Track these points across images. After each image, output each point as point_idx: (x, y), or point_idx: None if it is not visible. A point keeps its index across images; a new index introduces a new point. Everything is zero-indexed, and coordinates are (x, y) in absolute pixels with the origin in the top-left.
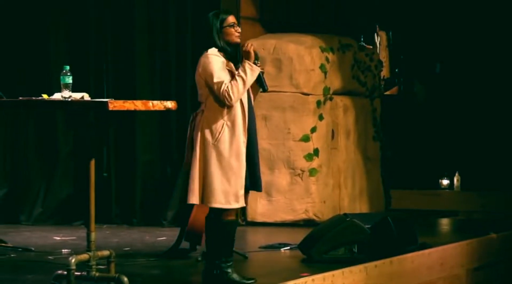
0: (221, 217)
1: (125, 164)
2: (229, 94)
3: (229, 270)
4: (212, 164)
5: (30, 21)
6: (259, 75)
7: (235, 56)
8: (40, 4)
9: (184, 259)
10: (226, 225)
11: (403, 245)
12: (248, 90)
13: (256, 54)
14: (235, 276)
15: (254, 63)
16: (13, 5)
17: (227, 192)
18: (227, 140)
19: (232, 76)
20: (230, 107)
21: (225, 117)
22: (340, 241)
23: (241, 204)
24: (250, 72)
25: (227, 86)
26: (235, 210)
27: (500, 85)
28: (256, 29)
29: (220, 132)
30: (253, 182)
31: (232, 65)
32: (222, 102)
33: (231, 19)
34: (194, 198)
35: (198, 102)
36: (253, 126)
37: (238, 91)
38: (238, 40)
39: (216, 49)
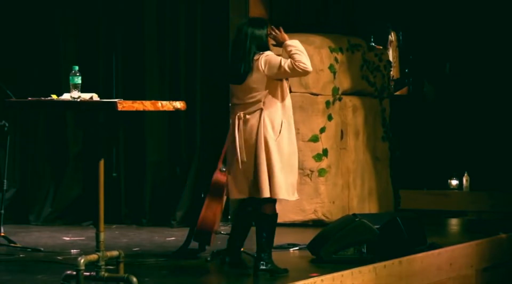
0: (270, 210)
1: (134, 164)
2: (302, 66)
3: (272, 260)
4: (275, 159)
5: (40, 22)
6: None
7: None
8: (49, 4)
9: (194, 259)
10: (274, 217)
11: (412, 245)
12: (288, 90)
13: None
14: (274, 266)
15: None
16: (22, 5)
17: (289, 185)
18: (286, 136)
19: None
20: (285, 104)
21: (283, 115)
22: (349, 241)
23: (296, 196)
24: (293, 42)
25: (293, 60)
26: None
27: (510, 86)
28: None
29: (280, 130)
30: None
31: None
32: (300, 73)
33: (268, 29)
34: (265, 192)
35: (210, 103)
36: None
37: (305, 59)
38: (271, 46)
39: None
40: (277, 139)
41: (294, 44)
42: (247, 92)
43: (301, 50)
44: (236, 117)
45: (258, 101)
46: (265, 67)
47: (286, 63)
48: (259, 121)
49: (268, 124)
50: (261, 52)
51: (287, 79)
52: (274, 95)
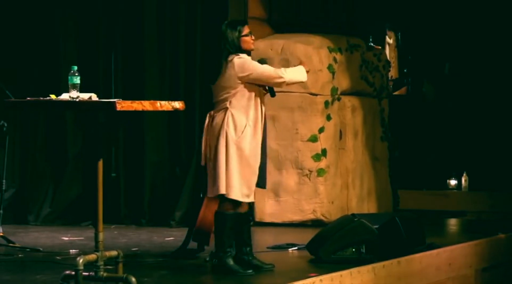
0: (228, 209)
1: (133, 164)
2: (282, 75)
3: (228, 260)
4: (232, 159)
5: (39, 22)
6: None
7: None
8: (49, 4)
9: (192, 259)
10: (226, 216)
11: (411, 246)
12: (261, 95)
13: (265, 61)
14: (232, 264)
15: None
16: (22, 5)
17: (242, 186)
18: (248, 138)
19: None
20: (254, 107)
21: (248, 118)
22: (348, 241)
23: (251, 199)
24: (306, 73)
25: (277, 70)
26: (242, 205)
27: (509, 86)
28: (264, 29)
29: (243, 131)
30: (261, 180)
31: None
32: (274, 85)
33: (247, 29)
34: (221, 189)
35: (208, 103)
36: (264, 129)
37: (293, 77)
38: (252, 47)
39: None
40: (238, 140)
41: (298, 69)
42: (218, 92)
43: (292, 73)
44: (208, 115)
45: (225, 100)
46: (236, 69)
47: (265, 69)
48: (223, 120)
49: (231, 124)
50: (235, 54)
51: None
52: (242, 96)
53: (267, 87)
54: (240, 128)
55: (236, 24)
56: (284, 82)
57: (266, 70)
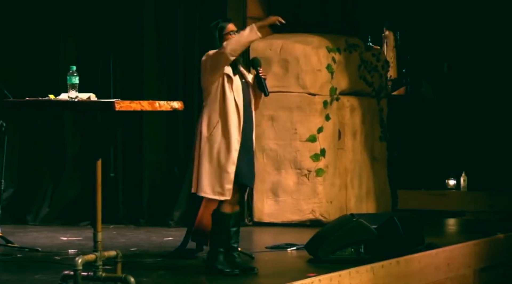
0: (217, 208)
1: (132, 165)
2: (224, 46)
3: (218, 259)
4: (203, 157)
5: (38, 22)
6: (260, 80)
7: (235, 62)
8: (49, 4)
9: (191, 259)
10: (217, 215)
11: (410, 245)
12: (247, 95)
13: (259, 60)
14: (219, 265)
15: (257, 69)
16: (21, 5)
17: (214, 183)
18: (219, 136)
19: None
20: (226, 105)
21: (220, 115)
22: (347, 241)
23: (226, 197)
24: (249, 30)
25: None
26: (232, 205)
27: (508, 86)
28: (263, 29)
29: (214, 128)
30: (249, 178)
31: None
32: (222, 61)
33: (230, 27)
34: (193, 187)
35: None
36: (250, 127)
37: (232, 42)
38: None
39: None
40: (208, 137)
41: (245, 30)
42: (202, 92)
43: (240, 36)
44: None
45: (205, 100)
46: (202, 67)
47: (216, 51)
48: (200, 118)
49: (205, 122)
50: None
51: (228, 81)
52: (215, 94)
53: (258, 86)
54: (212, 125)
55: (220, 22)
56: (224, 52)
57: (214, 51)
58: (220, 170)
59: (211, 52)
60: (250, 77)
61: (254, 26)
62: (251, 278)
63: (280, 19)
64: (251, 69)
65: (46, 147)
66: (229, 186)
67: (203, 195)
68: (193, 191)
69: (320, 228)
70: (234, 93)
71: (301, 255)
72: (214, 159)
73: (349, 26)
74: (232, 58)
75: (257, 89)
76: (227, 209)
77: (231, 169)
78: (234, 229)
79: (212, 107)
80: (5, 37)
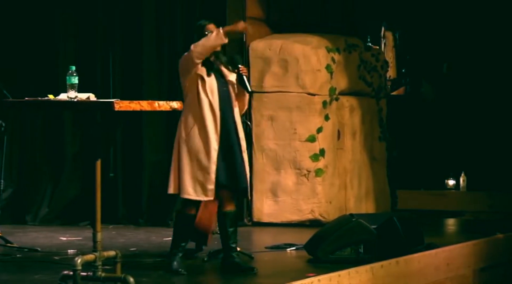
0: (180, 209)
1: (131, 165)
2: (191, 49)
3: (175, 259)
4: (183, 158)
5: (38, 22)
6: (242, 78)
7: (210, 60)
8: (48, 4)
9: (191, 259)
10: (179, 216)
11: (410, 245)
12: (225, 94)
13: (238, 58)
14: (174, 264)
15: (237, 67)
16: (21, 5)
17: (196, 185)
18: (196, 137)
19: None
20: (202, 107)
21: (196, 116)
22: (346, 241)
23: (209, 197)
24: (215, 34)
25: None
26: (195, 206)
27: (507, 86)
28: (263, 29)
29: (191, 129)
30: (234, 179)
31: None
32: (190, 62)
33: (210, 27)
34: (170, 188)
35: None
36: (231, 127)
37: (198, 44)
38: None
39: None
40: (186, 139)
41: (213, 34)
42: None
43: (206, 40)
44: None
45: (184, 101)
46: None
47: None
48: (180, 119)
49: (183, 123)
50: None
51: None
52: (191, 95)
53: (240, 84)
54: (189, 126)
55: (202, 22)
56: (190, 55)
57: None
58: (201, 171)
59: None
60: (232, 76)
61: (221, 30)
62: (251, 278)
63: (247, 28)
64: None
65: (45, 147)
66: (211, 186)
67: (186, 196)
68: (170, 192)
69: (319, 228)
70: (208, 93)
71: (300, 255)
72: (194, 160)
73: (349, 26)
74: (198, 61)
75: (239, 87)
76: (191, 211)
77: (212, 169)
78: (231, 229)
79: (188, 109)
80: (5, 37)
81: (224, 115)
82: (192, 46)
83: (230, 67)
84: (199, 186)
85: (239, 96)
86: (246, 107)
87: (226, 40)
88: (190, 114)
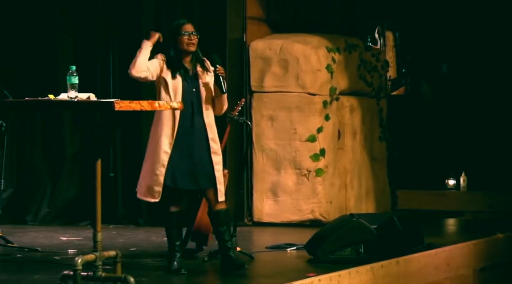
0: (166, 207)
1: (131, 164)
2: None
3: (174, 259)
4: (144, 159)
5: (38, 22)
6: (218, 78)
7: (180, 62)
8: (48, 4)
9: (191, 259)
10: (165, 215)
11: (410, 245)
12: (192, 96)
13: (216, 58)
14: (174, 264)
15: (214, 67)
16: (21, 5)
17: (146, 186)
18: (153, 139)
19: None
20: (163, 111)
21: (157, 118)
22: (347, 241)
23: (155, 199)
24: (141, 46)
25: None
26: (176, 203)
27: (507, 86)
28: (263, 29)
29: (151, 131)
30: (195, 181)
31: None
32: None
33: (187, 27)
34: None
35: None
36: (198, 130)
37: (133, 61)
38: (189, 48)
39: (160, 53)
40: (149, 140)
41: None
42: None
43: (138, 53)
44: None
45: None
46: None
47: None
48: None
49: (152, 128)
50: None
51: (165, 88)
52: (159, 99)
53: (216, 84)
54: (152, 128)
55: (179, 21)
56: (131, 74)
57: None
58: (151, 172)
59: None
60: (209, 77)
61: (144, 40)
62: (251, 278)
63: (161, 37)
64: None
65: (45, 147)
66: (158, 188)
67: (139, 196)
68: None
69: (319, 228)
70: (171, 95)
71: (300, 255)
72: (148, 161)
73: (349, 26)
74: (139, 74)
75: (215, 87)
76: (172, 208)
77: (160, 171)
78: (223, 228)
79: (156, 114)
80: (5, 38)
81: (186, 117)
82: (130, 66)
83: (207, 68)
84: (148, 187)
85: (217, 97)
86: (225, 108)
87: (150, 43)
88: (156, 115)
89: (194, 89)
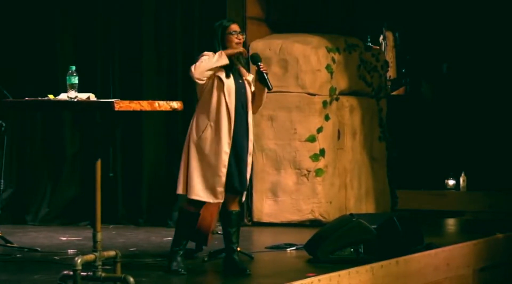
0: (185, 206)
1: (131, 164)
2: (192, 71)
3: (175, 259)
4: (193, 159)
5: (38, 22)
6: (262, 75)
7: (231, 61)
8: (48, 4)
9: (191, 259)
10: (184, 214)
11: (410, 245)
12: (242, 96)
13: (258, 56)
14: (174, 264)
15: (257, 65)
16: (21, 5)
17: (204, 186)
18: (208, 139)
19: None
20: (216, 109)
21: (210, 118)
22: (346, 241)
23: (218, 199)
24: (218, 56)
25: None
26: (200, 206)
27: (507, 86)
28: (262, 29)
29: (203, 131)
30: (241, 182)
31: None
32: (192, 78)
33: (233, 27)
34: (179, 189)
35: None
36: (243, 130)
37: (199, 65)
38: (238, 47)
39: (209, 52)
40: (197, 141)
41: (215, 56)
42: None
43: (208, 60)
44: None
45: (198, 101)
46: None
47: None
48: (191, 121)
49: (194, 126)
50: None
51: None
52: (204, 99)
53: (260, 81)
54: (201, 129)
55: (223, 22)
56: (192, 77)
57: (195, 63)
58: (211, 173)
59: (205, 53)
60: (250, 77)
61: (223, 53)
62: (251, 278)
63: (245, 52)
64: (252, 66)
65: (45, 147)
66: (221, 189)
67: (195, 197)
68: (179, 192)
69: (319, 228)
70: (226, 95)
71: (300, 255)
72: (204, 162)
73: (349, 26)
74: (201, 82)
75: (259, 84)
76: (196, 210)
77: (222, 172)
78: (233, 229)
79: (201, 110)
80: (5, 38)
81: (238, 118)
82: (192, 68)
83: (248, 67)
84: (209, 188)
85: (257, 94)
86: (261, 105)
87: (228, 61)
88: (204, 115)
89: (242, 90)
